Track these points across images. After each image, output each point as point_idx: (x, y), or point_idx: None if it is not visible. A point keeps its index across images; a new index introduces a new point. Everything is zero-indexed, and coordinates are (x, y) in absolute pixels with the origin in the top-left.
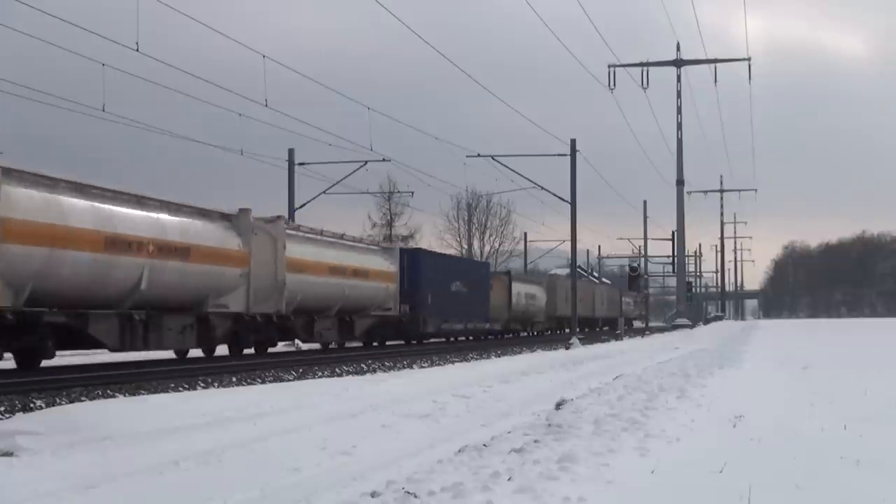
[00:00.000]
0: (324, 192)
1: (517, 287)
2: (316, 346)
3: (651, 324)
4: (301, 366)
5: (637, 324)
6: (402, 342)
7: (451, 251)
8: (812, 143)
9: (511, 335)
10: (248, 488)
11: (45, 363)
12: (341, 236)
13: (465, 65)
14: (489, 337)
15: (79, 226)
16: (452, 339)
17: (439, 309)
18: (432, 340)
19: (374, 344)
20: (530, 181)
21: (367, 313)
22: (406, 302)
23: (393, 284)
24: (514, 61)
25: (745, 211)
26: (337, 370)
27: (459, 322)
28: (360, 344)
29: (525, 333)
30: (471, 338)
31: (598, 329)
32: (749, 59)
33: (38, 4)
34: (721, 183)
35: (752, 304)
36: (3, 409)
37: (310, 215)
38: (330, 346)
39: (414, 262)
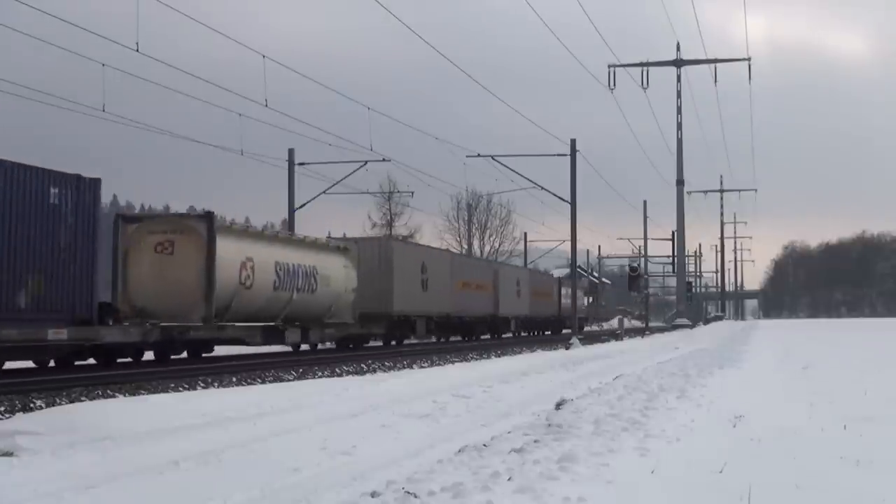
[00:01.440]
0: (324, 192)
1: (241, 248)
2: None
3: (651, 324)
4: (301, 366)
5: (627, 325)
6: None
7: (452, 251)
8: (812, 143)
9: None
10: (248, 488)
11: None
12: None
13: (465, 65)
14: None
15: None
16: None
17: None
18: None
19: None
20: (530, 181)
21: None
22: None
23: None
24: (515, 61)
25: (745, 211)
26: (337, 370)
27: None
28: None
29: (296, 348)
30: None
31: (504, 336)
32: (749, 59)
33: (38, 4)
34: (721, 183)
35: (752, 304)
36: (3, 409)
37: (310, 215)
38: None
39: None
